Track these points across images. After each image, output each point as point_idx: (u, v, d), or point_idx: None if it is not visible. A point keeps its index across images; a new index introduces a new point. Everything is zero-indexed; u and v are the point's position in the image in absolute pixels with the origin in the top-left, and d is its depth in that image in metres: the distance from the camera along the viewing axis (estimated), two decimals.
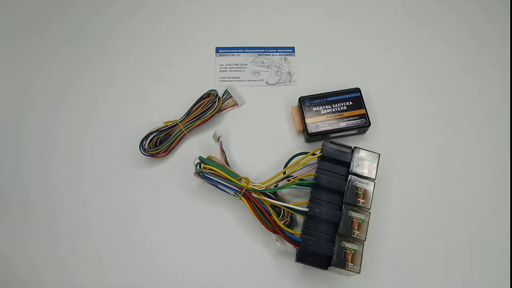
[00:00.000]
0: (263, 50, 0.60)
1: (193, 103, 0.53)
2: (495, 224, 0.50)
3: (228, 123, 0.55)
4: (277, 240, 0.47)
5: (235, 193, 0.48)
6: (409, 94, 0.57)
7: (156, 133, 0.52)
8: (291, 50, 0.60)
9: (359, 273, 0.42)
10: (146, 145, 0.51)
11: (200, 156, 0.49)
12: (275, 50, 0.60)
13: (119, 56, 0.59)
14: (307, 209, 0.46)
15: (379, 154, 0.48)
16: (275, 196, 0.48)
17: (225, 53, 0.60)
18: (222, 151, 0.51)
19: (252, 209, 0.46)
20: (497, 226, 0.50)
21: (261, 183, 0.47)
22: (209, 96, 0.53)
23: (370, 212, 0.45)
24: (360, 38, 0.61)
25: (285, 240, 0.45)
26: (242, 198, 0.47)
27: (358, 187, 0.46)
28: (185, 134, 0.53)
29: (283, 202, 0.47)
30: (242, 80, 0.58)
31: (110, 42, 0.60)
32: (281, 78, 0.58)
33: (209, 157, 0.50)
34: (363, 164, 0.47)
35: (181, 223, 0.50)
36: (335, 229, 0.45)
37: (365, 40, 0.60)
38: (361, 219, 0.44)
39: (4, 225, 0.50)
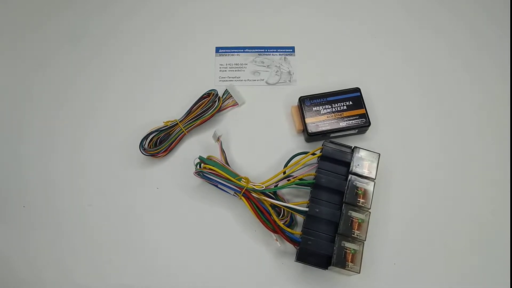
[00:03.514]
0: (263, 50, 0.60)
1: (193, 103, 0.53)
2: (495, 224, 0.50)
3: (228, 123, 0.55)
4: (277, 240, 0.47)
5: (235, 193, 0.48)
6: (409, 94, 0.57)
7: (156, 132, 0.52)
8: (291, 50, 0.60)
9: (359, 273, 0.42)
10: (146, 145, 0.51)
11: (200, 156, 0.49)
12: (275, 50, 0.60)
13: (119, 56, 0.59)
14: (307, 209, 0.46)
15: (379, 154, 0.48)
16: (275, 195, 0.48)
17: (225, 53, 0.60)
18: (222, 151, 0.51)
19: (252, 209, 0.46)
20: (497, 227, 0.50)
21: (261, 182, 0.47)
22: (209, 96, 0.53)
23: (370, 212, 0.45)
24: (360, 38, 0.60)
25: (285, 240, 0.45)
26: (242, 198, 0.47)
27: (358, 187, 0.46)
28: (185, 133, 0.53)
29: (283, 202, 0.47)
30: (242, 80, 0.58)
31: (110, 42, 0.60)
32: (281, 78, 0.58)
33: (209, 156, 0.49)
34: (363, 163, 0.47)
35: (181, 223, 0.50)
36: (335, 229, 0.44)
37: (365, 40, 0.60)
38: (361, 219, 0.44)
39: (4, 225, 0.50)
